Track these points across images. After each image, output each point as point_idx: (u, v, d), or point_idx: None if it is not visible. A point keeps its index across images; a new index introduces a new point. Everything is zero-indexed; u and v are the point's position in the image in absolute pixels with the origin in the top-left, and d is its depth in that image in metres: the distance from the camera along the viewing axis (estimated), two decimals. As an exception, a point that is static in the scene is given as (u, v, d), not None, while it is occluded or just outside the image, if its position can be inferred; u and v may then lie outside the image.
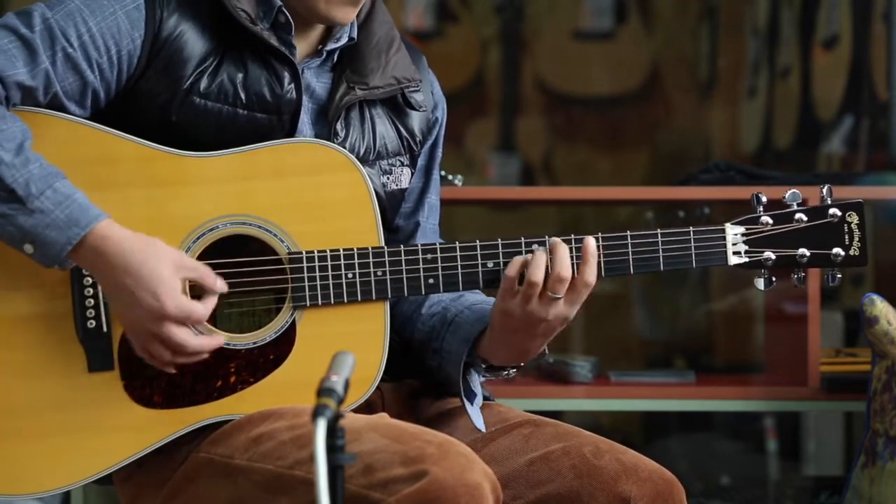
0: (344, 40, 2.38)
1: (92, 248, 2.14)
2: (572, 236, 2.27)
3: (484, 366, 2.35)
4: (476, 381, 2.37)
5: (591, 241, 2.25)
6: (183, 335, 2.16)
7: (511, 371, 2.36)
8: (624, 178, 5.84)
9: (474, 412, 2.34)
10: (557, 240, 2.25)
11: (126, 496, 2.34)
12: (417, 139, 2.44)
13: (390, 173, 2.41)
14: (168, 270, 2.15)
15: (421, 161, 2.48)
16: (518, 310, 2.23)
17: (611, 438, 2.31)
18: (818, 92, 5.30)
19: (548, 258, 2.23)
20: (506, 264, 2.26)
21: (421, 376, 2.44)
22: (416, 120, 2.44)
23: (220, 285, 2.20)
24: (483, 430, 2.32)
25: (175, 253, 2.18)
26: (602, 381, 3.55)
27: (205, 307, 2.18)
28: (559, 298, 2.23)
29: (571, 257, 2.24)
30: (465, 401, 2.32)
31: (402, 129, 2.42)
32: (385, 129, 2.40)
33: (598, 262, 2.27)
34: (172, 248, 2.18)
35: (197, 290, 2.20)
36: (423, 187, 2.50)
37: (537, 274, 2.22)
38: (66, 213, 2.13)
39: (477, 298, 2.39)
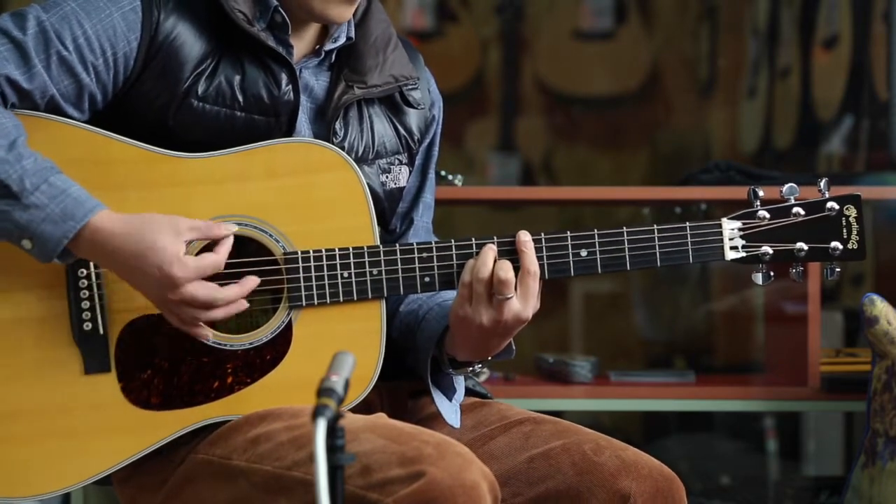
0: (342, 40, 2.38)
1: (89, 240, 2.14)
2: (542, 235, 2.26)
3: (449, 360, 2.33)
4: (459, 378, 2.37)
5: (521, 234, 2.24)
6: (206, 291, 2.15)
7: (477, 366, 2.34)
8: (624, 178, 5.84)
9: (447, 408, 2.33)
10: (485, 245, 2.24)
11: (125, 497, 2.34)
12: (416, 137, 2.44)
13: (389, 172, 2.40)
14: (167, 239, 2.14)
15: (417, 160, 2.48)
16: (472, 313, 2.23)
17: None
18: (818, 92, 5.30)
19: (494, 260, 2.22)
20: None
21: (407, 376, 2.44)
22: (413, 118, 2.44)
23: (226, 228, 2.19)
24: (457, 426, 2.32)
25: (170, 219, 2.17)
26: (602, 381, 3.54)
27: (216, 255, 2.17)
28: (510, 298, 2.22)
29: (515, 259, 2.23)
30: (435, 397, 2.31)
31: (399, 127, 2.42)
32: (383, 128, 2.40)
33: (595, 259, 2.28)
34: (167, 215, 2.17)
35: (212, 245, 2.19)
36: (419, 186, 2.50)
37: (483, 271, 2.22)
38: (62, 206, 2.13)
39: (448, 295, 2.37)
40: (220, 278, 2.21)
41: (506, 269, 2.22)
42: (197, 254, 2.19)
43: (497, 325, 2.23)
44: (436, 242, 2.28)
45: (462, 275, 2.24)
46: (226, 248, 2.18)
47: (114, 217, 2.15)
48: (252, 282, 2.20)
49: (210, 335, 2.20)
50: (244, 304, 2.19)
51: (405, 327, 2.40)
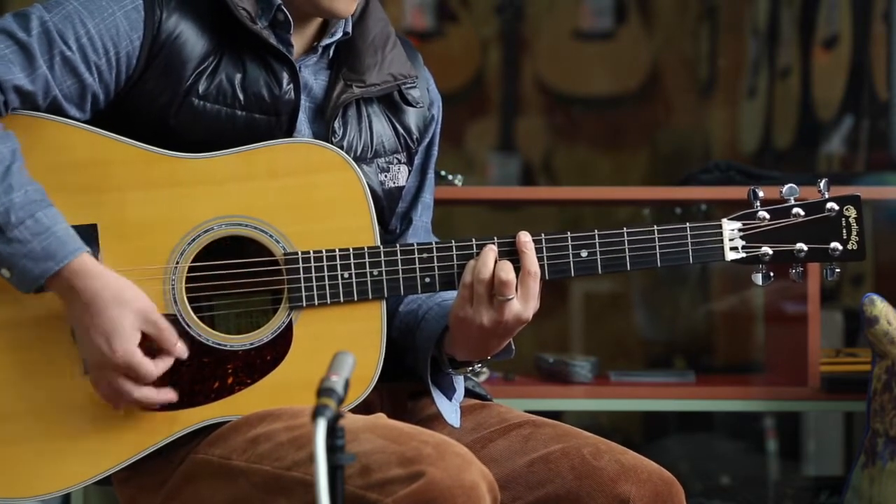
0: (338, 35, 2.38)
1: (64, 282, 2.15)
2: (542, 235, 2.26)
3: (449, 360, 2.33)
4: (459, 378, 2.37)
5: (522, 234, 2.24)
6: (128, 386, 2.17)
7: (476, 366, 2.34)
8: (624, 178, 5.84)
9: (447, 408, 2.33)
10: (486, 246, 2.24)
11: (125, 497, 2.34)
12: (414, 136, 2.44)
13: (388, 171, 2.40)
14: (129, 320, 2.16)
15: (417, 160, 2.48)
16: (472, 314, 2.23)
17: (611, 438, 2.31)
18: (818, 92, 5.30)
19: (495, 261, 2.22)
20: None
21: (407, 376, 2.44)
22: (412, 117, 2.44)
23: (180, 349, 2.20)
24: (457, 426, 2.32)
25: (145, 302, 2.18)
26: (602, 381, 3.54)
27: (156, 367, 2.18)
28: (511, 299, 2.22)
29: (515, 260, 2.23)
30: (435, 397, 2.31)
31: (398, 126, 2.42)
32: (382, 127, 2.40)
33: (595, 260, 2.28)
34: (145, 298, 2.18)
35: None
36: (418, 186, 2.50)
37: (484, 272, 2.22)
38: (44, 245, 2.13)
39: (448, 295, 2.37)
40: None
41: (507, 270, 2.22)
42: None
43: (497, 326, 2.22)
44: (436, 243, 2.28)
45: (463, 276, 2.24)
46: (165, 365, 2.19)
47: (96, 265, 2.16)
48: (167, 396, 2.20)
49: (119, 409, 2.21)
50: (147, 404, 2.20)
51: (405, 327, 2.40)
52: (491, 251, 2.24)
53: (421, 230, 2.49)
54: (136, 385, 2.18)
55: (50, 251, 2.13)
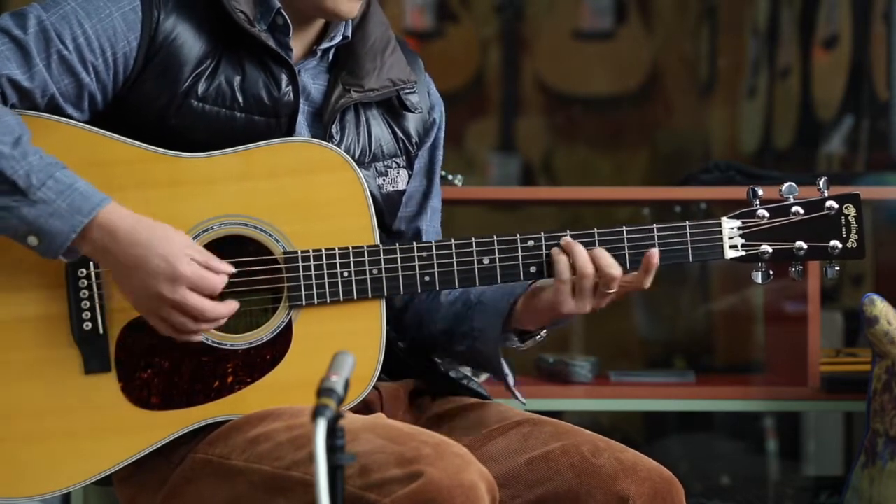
0: (338, 39, 2.38)
1: (96, 233, 2.14)
2: (596, 230, 2.30)
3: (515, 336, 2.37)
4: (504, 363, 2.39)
5: (654, 253, 2.27)
6: (199, 299, 2.16)
7: (542, 334, 2.38)
8: (624, 178, 5.83)
9: (514, 387, 2.37)
10: (568, 241, 2.27)
11: (125, 496, 2.34)
12: (413, 140, 2.44)
13: (386, 175, 2.40)
14: (178, 239, 2.16)
15: (421, 163, 2.48)
16: (574, 305, 2.28)
17: (611, 438, 2.31)
18: (818, 92, 5.30)
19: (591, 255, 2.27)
20: (502, 260, 2.27)
21: (426, 376, 2.44)
22: (412, 122, 2.44)
23: (226, 266, 2.19)
24: (524, 401, 2.37)
25: (182, 234, 2.18)
26: (602, 381, 3.54)
27: (217, 278, 2.17)
28: (612, 293, 2.27)
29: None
30: (506, 375, 2.34)
31: (397, 130, 2.42)
32: (380, 132, 2.40)
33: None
34: (178, 232, 2.18)
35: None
36: (425, 191, 2.50)
37: (588, 268, 2.26)
38: (69, 201, 2.13)
39: None
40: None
41: (615, 267, 2.26)
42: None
43: (593, 311, 2.28)
44: (436, 242, 2.28)
45: (559, 272, 2.26)
46: (224, 278, 2.18)
47: (122, 210, 2.16)
48: (233, 305, 2.20)
49: (201, 338, 2.20)
50: (221, 322, 2.20)
51: (454, 315, 2.41)
52: (576, 244, 2.26)
53: (432, 236, 2.49)
54: (206, 298, 2.16)
55: (76, 206, 2.13)
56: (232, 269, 2.20)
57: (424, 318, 2.46)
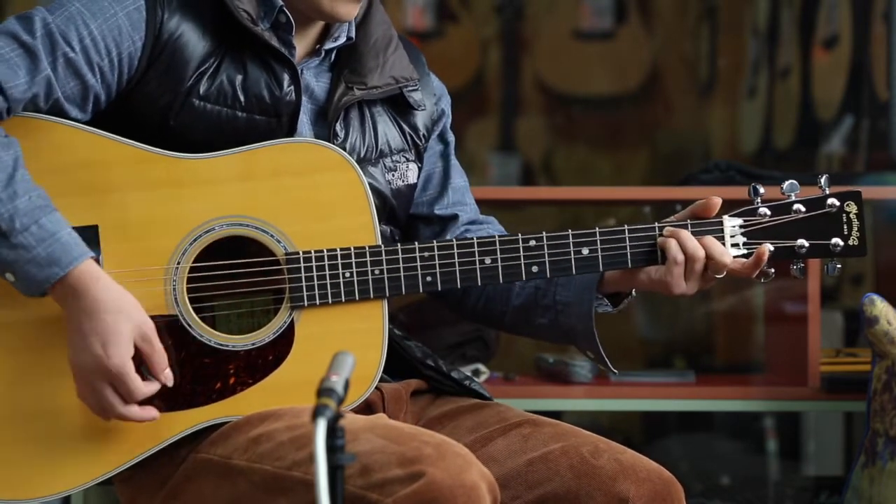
0: (342, 40, 2.38)
1: (69, 288, 2.14)
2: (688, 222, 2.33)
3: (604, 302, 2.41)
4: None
5: (766, 247, 2.30)
6: (114, 400, 2.17)
7: (629, 299, 2.42)
8: (624, 178, 5.84)
9: (602, 353, 2.38)
10: (674, 228, 2.31)
11: (126, 496, 2.34)
12: (421, 133, 2.45)
13: (395, 170, 2.41)
14: (127, 329, 2.15)
15: (435, 149, 2.49)
16: (686, 287, 2.30)
17: (611, 438, 2.32)
18: (818, 92, 5.30)
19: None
20: (503, 260, 2.28)
21: (428, 377, 2.43)
22: (419, 116, 2.45)
23: (167, 376, 2.20)
24: (616, 371, 2.41)
25: (143, 317, 2.18)
26: (602, 381, 3.54)
27: (144, 387, 2.18)
28: (718, 277, 2.30)
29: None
30: (598, 344, 2.37)
31: (404, 125, 2.43)
32: (387, 127, 2.41)
33: (597, 257, 2.29)
34: (143, 313, 2.18)
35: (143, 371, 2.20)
36: (443, 172, 2.51)
37: (699, 252, 2.29)
38: (49, 251, 2.12)
39: None
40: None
41: (727, 255, 2.29)
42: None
43: (697, 292, 2.33)
44: (437, 241, 2.28)
45: (672, 255, 2.29)
46: (153, 389, 2.18)
47: (100, 273, 2.16)
48: (151, 413, 2.20)
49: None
50: (130, 420, 2.20)
51: (534, 290, 2.43)
52: (685, 232, 2.30)
53: (472, 213, 2.52)
54: (121, 401, 2.17)
55: (54, 257, 2.13)
56: (170, 380, 2.20)
57: (495, 297, 2.48)
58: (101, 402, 2.18)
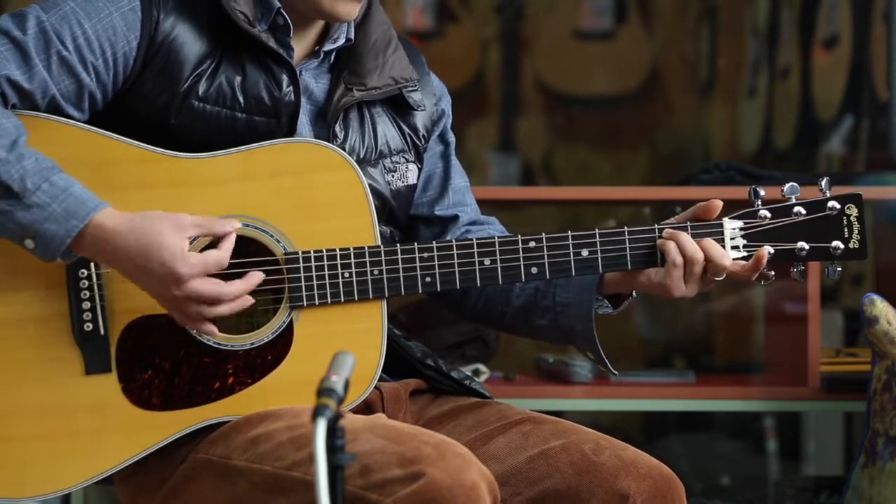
0: (341, 41, 2.38)
1: (92, 238, 2.14)
2: (687, 224, 2.32)
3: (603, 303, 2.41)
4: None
5: (765, 251, 2.30)
6: (211, 286, 2.16)
7: (629, 300, 2.42)
8: (624, 178, 5.84)
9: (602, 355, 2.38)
10: (673, 231, 2.30)
11: (125, 496, 2.34)
12: (421, 134, 2.45)
13: (395, 171, 2.41)
14: (170, 235, 2.15)
15: (436, 149, 2.49)
16: (686, 290, 2.30)
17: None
18: (818, 92, 5.30)
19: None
20: (503, 261, 2.28)
21: (427, 376, 2.43)
22: (419, 117, 2.45)
23: (230, 224, 2.19)
24: (616, 372, 2.40)
25: (173, 216, 2.17)
26: (602, 381, 3.54)
27: (220, 252, 2.17)
28: (718, 279, 2.30)
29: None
30: (598, 345, 2.36)
31: (404, 126, 2.43)
32: (386, 128, 2.40)
33: (596, 259, 2.29)
34: (168, 214, 2.17)
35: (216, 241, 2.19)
36: (443, 173, 2.51)
37: (698, 255, 2.28)
38: (64, 206, 2.12)
39: None
40: (222, 277, 2.21)
41: (727, 258, 2.29)
42: (201, 250, 2.19)
43: (697, 294, 2.32)
44: (436, 242, 2.28)
45: (671, 257, 2.29)
46: (229, 244, 2.19)
47: (116, 215, 2.15)
48: (256, 277, 2.20)
49: (216, 331, 2.20)
50: (249, 300, 2.20)
51: (533, 291, 2.43)
52: (684, 234, 2.29)
53: (473, 213, 2.52)
54: (219, 282, 2.16)
55: (70, 210, 2.13)
56: (238, 224, 2.19)
57: (495, 298, 2.48)
58: (209, 301, 2.16)
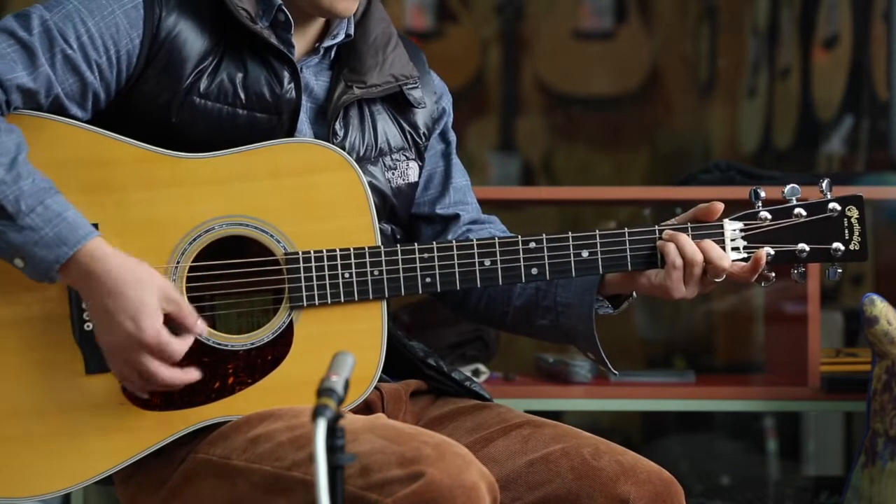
0: (341, 37, 2.38)
1: (80, 267, 2.14)
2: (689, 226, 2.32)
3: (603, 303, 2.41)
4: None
5: (763, 252, 2.29)
6: (156, 367, 2.16)
7: (629, 301, 2.42)
8: (624, 178, 5.84)
9: (603, 355, 2.38)
10: (674, 232, 2.30)
11: (125, 496, 2.34)
12: (422, 132, 2.45)
13: (395, 169, 2.41)
14: (153, 298, 2.15)
15: (436, 148, 2.49)
16: (685, 291, 2.30)
17: (610, 438, 2.32)
18: (818, 92, 5.30)
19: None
20: (503, 262, 2.28)
21: (428, 377, 2.43)
22: (419, 114, 2.45)
23: (200, 327, 2.19)
24: (616, 373, 2.40)
25: (162, 281, 2.17)
26: (602, 381, 3.54)
27: (181, 345, 2.17)
28: (717, 281, 2.30)
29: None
30: (598, 345, 2.36)
31: (405, 124, 2.43)
32: (387, 126, 2.41)
33: (596, 260, 2.29)
34: (161, 276, 2.18)
35: (174, 327, 2.18)
36: (445, 171, 2.51)
37: (698, 256, 2.28)
38: (56, 231, 2.12)
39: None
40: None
41: (726, 259, 2.29)
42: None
43: (697, 295, 2.32)
44: (436, 243, 2.28)
45: (671, 259, 2.28)
46: (188, 343, 2.18)
47: (105, 249, 2.15)
48: (192, 375, 2.20)
49: (141, 396, 2.21)
50: (177, 386, 2.20)
51: (534, 291, 2.43)
52: (683, 236, 2.29)
53: (474, 212, 2.52)
54: (163, 365, 2.16)
55: (62, 237, 2.13)
56: (204, 330, 2.20)
57: (496, 298, 2.48)
58: (142, 375, 2.17)
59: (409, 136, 2.43)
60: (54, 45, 2.21)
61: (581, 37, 5.91)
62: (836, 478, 3.90)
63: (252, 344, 2.25)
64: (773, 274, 2.33)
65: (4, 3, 5.45)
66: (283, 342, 2.25)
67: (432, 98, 2.49)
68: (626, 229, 2.31)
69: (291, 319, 2.26)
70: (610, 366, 2.39)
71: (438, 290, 2.28)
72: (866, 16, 4.97)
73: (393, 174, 2.41)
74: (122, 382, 2.21)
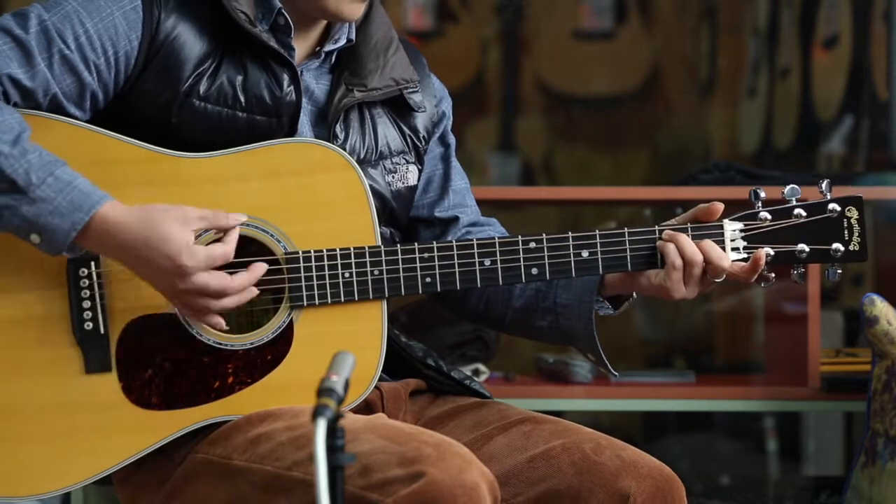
0: (342, 41, 2.38)
1: (98, 231, 2.14)
2: (688, 226, 2.32)
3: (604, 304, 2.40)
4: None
5: (763, 253, 2.29)
6: (217, 279, 2.16)
7: (631, 300, 2.42)
8: (624, 178, 5.83)
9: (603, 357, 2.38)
10: (673, 232, 2.30)
11: (125, 496, 2.34)
12: (422, 135, 2.45)
13: (395, 172, 2.41)
14: (175, 229, 2.15)
15: (436, 151, 2.49)
16: (685, 291, 2.30)
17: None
18: (818, 92, 5.30)
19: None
20: (503, 262, 2.28)
21: (428, 376, 2.43)
22: (419, 118, 2.45)
23: (234, 218, 2.19)
24: (616, 374, 2.40)
25: (177, 209, 2.17)
26: (602, 381, 3.54)
27: (225, 245, 2.17)
28: (717, 281, 2.30)
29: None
30: (599, 347, 2.36)
31: (405, 127, 2.43)
32: (387, 129, 2.41)
33: (596, 260, 2.29)
34: (172, 205, 2.17)
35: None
36: (444, 174, 2.51)
37: (698, 257, 2.28)
38: (69, 199, 2.13)
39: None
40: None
41: (726, 259, 2.29)
42: (207, 244, 2.19)
43: (697, 296, 2.33)
44: (436, 243, 2.28)
45: (671, 260, 2.28)
46: (234, 237, 2.19)
47: (121, 208, 2.15)
48: (261, 268, 2.20)
49: (223, 323, 2.20)
50: (254, 291, 2.20)
51: (534, 293, 2.43)
52: (683, 236, 2.29)
53: (474, 214, 2.52)
54: (224, 276, 2.16)
55: (76, 203, 2.13)
56: (243, 217, 2.20)
57: (496, 299, 2.48)
58: (211, 294, 2.16)
59: (408, 140, 2.44)
60: (52, 46, 2.21)
61: (581, 37, 5.91)
62: (836, 478, 3.90)
63: (252, 344, 2.25)
64: (773, 274, 2.33)
65: (4, 3, 5.45)
66: (283, 342, 2.25)
67: (432, 102, 2.49)
68: (626, 229, 2.31)
69: (291, 319, 2.26)
70: (610, 367, 2.39)
71: (438, 289, 2.28)
72: (866, 16, 4.97)
73: (393, 177, 2.41)
74: (198, 321, 2.21)
